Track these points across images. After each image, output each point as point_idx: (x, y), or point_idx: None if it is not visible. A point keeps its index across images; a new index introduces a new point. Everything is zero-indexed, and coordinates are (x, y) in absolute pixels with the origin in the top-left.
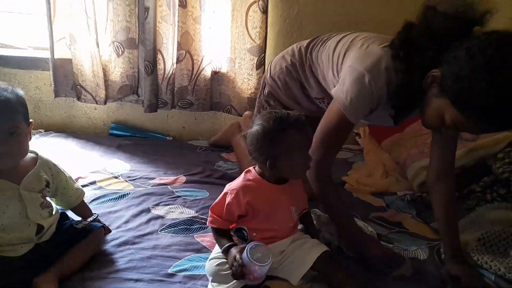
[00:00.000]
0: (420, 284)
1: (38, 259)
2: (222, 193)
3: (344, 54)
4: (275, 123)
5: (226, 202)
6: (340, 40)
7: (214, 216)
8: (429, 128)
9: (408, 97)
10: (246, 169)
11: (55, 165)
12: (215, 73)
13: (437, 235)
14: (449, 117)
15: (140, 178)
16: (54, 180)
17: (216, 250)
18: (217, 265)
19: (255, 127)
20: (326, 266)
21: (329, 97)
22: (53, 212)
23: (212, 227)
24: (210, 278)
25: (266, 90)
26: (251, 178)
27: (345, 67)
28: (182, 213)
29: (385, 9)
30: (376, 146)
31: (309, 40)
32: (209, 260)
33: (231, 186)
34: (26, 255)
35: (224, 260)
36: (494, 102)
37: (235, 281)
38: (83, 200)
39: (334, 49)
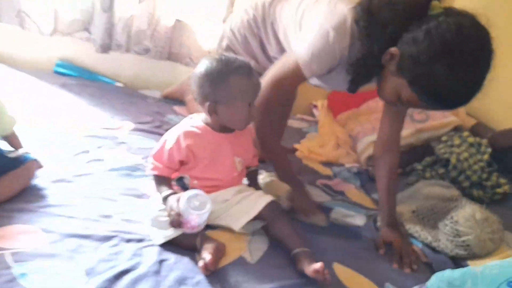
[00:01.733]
0: (356, 247)
1: None
2: (162, 139)
3: (309, 10)
4: (219, 64)
5: (166, 148)
6: None
7: (156, 163)
8: (385, 102)
9: (366, 69)
10: (189, 115)
11: None
12: (177, 21)
13: (376, 206)
14: (405, 97)
15: (83, 119)
16: None
17: (157, 198)
18: (159, 211)
19: (199, 67)
20: (271, 215)
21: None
22: None
23: (153, 176)
24: (150, 223)
25: (224, 43)
26: (193, 124)
27: (310, 23)
28: (125, 158)
29: None
30: (331, 119)
31: None
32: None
33: (172, 131)
34: None
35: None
36: (450, 89)
37: (173, 228)
38: (14, 131)
39: (299, 4)
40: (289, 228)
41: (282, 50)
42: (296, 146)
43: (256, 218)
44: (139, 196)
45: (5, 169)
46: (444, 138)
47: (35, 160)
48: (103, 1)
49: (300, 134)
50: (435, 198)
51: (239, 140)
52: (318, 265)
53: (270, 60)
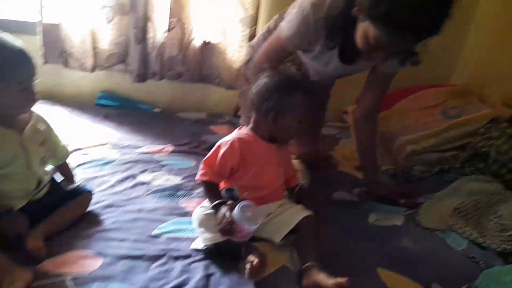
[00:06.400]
0: (398, 249)
1: (28, 216)
2: (215, 146)
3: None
4: (285, 80)
5: (221, 153)
6: None
7: (206, 168)
8: (364, 53)
9: (342, 25)
10: (239, 127)
11: (45, 120)
12: (205, 44)
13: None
14: (371, 37)
15: (126, 146)
16: (46, 133)
17: (207, 201)
18: (206, 214)
19: (266, 79)
20: (305, 228)
21: (307, 68)
22: (47, 171)
23: (203, 182)
24: (197, 223)
25: (246, 58)
26: (244, 132)
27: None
28: (167, 180)
29: None
30: None
31: None
32: (199, 207)
33: (225, 138)
34: (18, 211)
35: (213, 211)
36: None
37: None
38: (66, 161)
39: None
40: (307, 248)
41: None
42: (331, 153)
43: (296, 231)
44: (183, 215)
45: (63, 201)
46: (481, 131)
47: (90, 191)
48: (136, 33)
49: (334, 141)
50: (478, 194)
51: (281, 153)
52: (343, 280)
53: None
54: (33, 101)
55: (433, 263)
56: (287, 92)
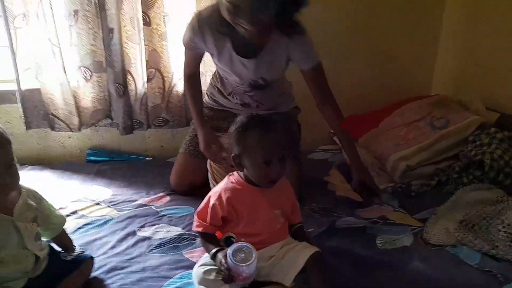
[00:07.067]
0: (411, 270)
1: None
2: (206, 197)
3: None
4: (241, 122)
5: (210, 205)
6: None
7: (199, 220)
8: (249, 38)
9: (225, 22)
10: (229, 173)
11: (36, 192)
12: None
13: (419, 223)
14: (241, 22)
15: (122, 201)
16: (38, 207)
17: (205, 257)
18: (204, 272)
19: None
20: (313, 267)
21: (236, 93)
22: (44, 245)
23: (198, 233)
24: (196, 281)
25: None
26: (233, 180)
27: None
28: (169, 231)
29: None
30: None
31: None
32: (198, 266)
33: (215, 189)
34: None
35: (211, 267)
36: None
37: (223, 286)
38: (63, 229)
39: None
40: (323, 281)
41: (229, 87)
42: (326, 178)
43: (304, 270)
44: (189, 267)
45: (64, 273)
46: (470, 138)
47: (91, 257)
48: (117, 88)
49: (328, 165)
50: (480, 203)
51: (277, 193)
52: None
53: (230, 99)
54: (15, 184)
55: (450, 282)
56: (238, 137)
